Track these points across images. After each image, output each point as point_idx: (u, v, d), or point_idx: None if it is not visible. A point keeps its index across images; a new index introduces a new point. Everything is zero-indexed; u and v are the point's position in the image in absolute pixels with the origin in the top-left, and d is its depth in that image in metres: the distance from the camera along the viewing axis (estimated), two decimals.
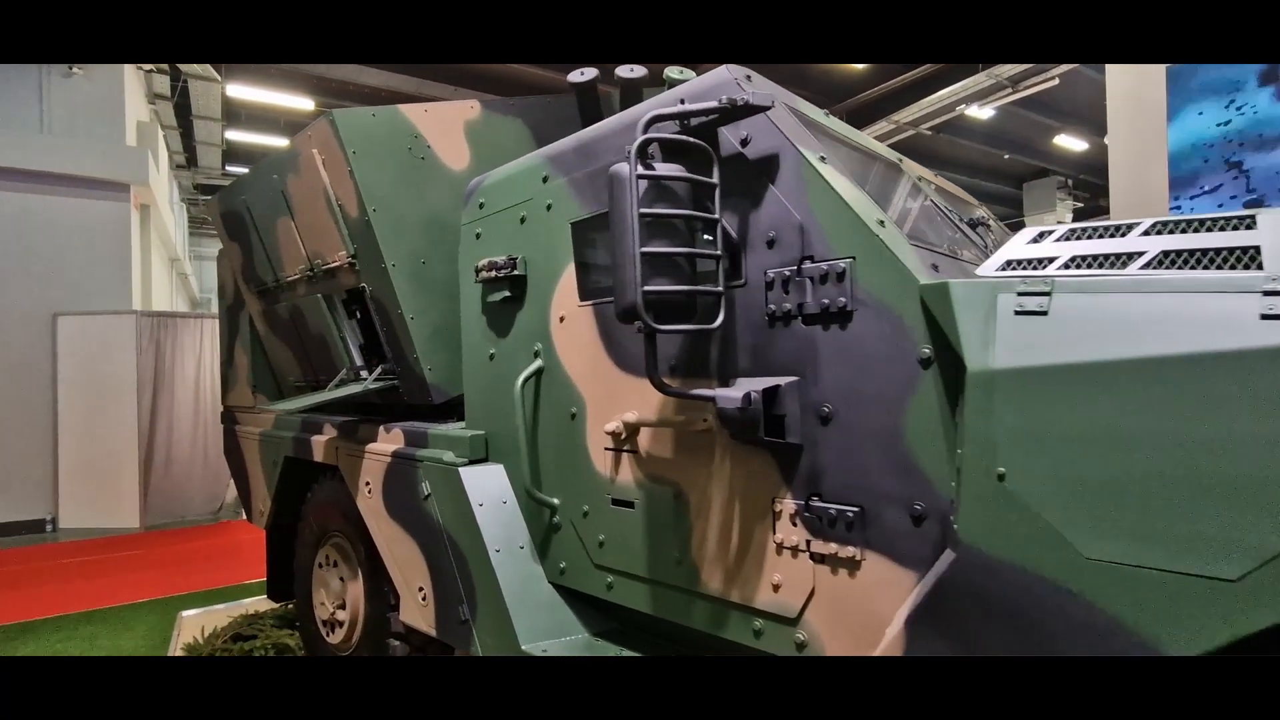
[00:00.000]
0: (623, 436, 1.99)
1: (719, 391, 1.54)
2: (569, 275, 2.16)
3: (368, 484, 2.89)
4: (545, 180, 2.24)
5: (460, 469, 2.40)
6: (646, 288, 1.48)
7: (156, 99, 10.57)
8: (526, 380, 2.24)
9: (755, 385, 1.55)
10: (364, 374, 3.23)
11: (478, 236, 2.52)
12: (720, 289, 1.61)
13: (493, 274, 2.34)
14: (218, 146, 13.04)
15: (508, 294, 2.34)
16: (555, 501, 2.24)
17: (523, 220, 2.33)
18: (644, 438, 1.95)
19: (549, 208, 2.22)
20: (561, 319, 2.19)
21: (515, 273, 2.30)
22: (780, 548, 1.63)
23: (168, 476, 7.94)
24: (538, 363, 2.26)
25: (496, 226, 2.44)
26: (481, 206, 2.51)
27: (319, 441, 3.28)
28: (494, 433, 2.49)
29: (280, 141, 14.22)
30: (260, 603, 4.81)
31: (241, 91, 10.87)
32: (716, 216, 1.60)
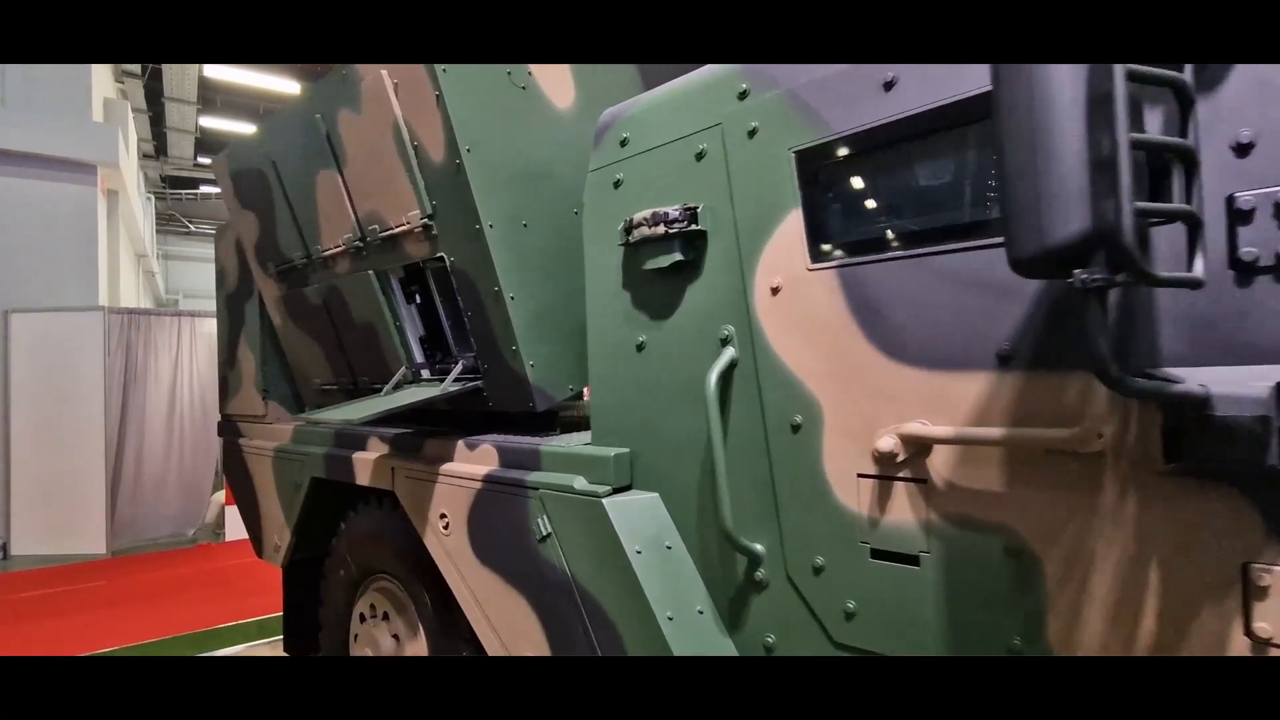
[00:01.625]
0: (900, 459, 1.35)
1: (1223, 390, 0.91)
2: (790, 228, 1.52)
3: (443, 517, 2.20)
4: (744, 96, 1.60)
5: (604, 500, 1.73)
6: (1139, 203, 0.84)
7: (125, 76, 9.64)
8: (720, 376, 1.59)
9: (1252, 379, 0.92)
10: (424, 373, 2.54)
11: (617, 184, 1.87)
12: (1197, 212, 0.98)
13: (660, 231, 1.68)
14: (191, 134, 12.10)
15: (679, 258, 1.69)
16: (759, 549, 1.59)
17: (700, 156, 1.68)
18: (941, 460, 1.31)
19: (752, 134, 1.58)
20: (775, 290, 1.55)
21: (694, 228, 1.65)
22: (1267, 644, 1.00)
23: (138, 494, 7.04)
24: (729, 353, 1.61)
25: (652, 169, 1.79)
26: (624, 144, 1.86)
27: (364, 460, 2.57)
28: (641, 450, 1.83)
29: None
30: (260, 649, 4.04)
31: (220, 71, 10.00)
32: (1193, 95, 0.97)
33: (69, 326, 6.72)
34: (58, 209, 7.02)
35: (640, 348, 1.83)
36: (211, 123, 12.50)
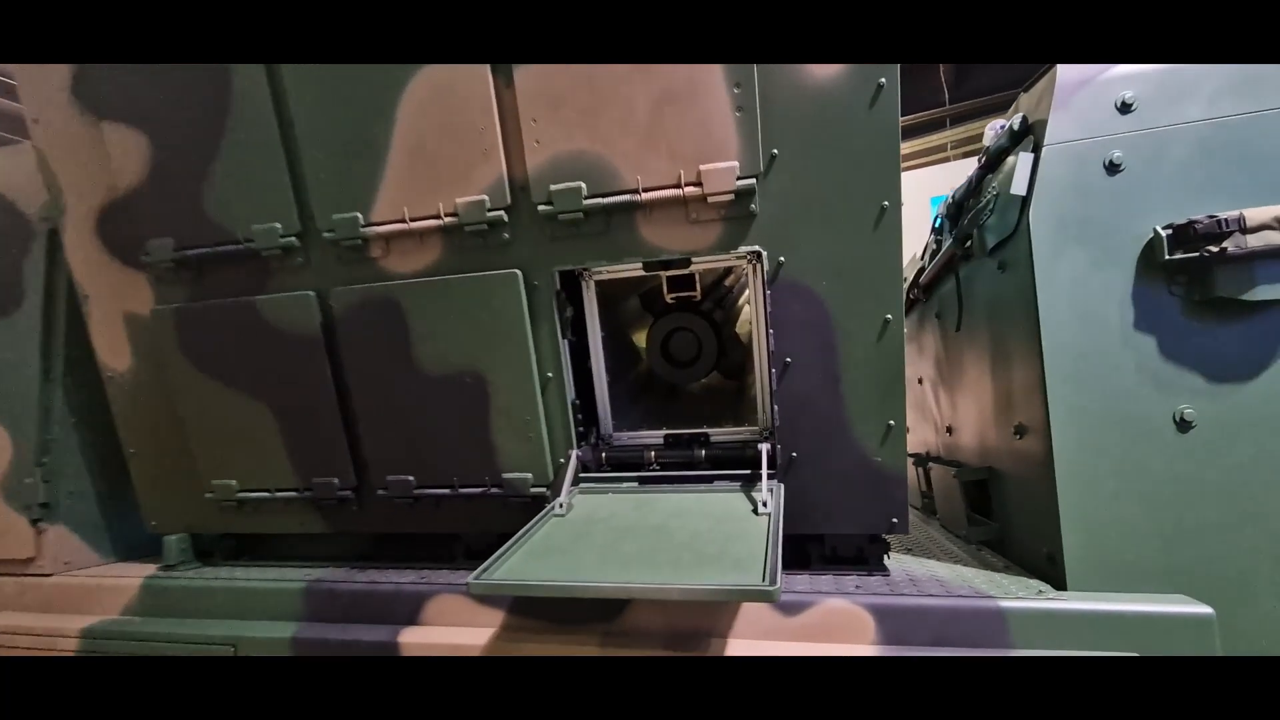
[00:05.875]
0: None
1: None
2: None
3: None
4: None
5: None
6: None
7: None
8: None
9: None
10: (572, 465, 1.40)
11: (1112, 168, 1.22)
12: None
13: None
14: None
15: None
16: None
17: None
18: None
19: None
20: None
21: None
22: None
23: None
24: None
25: (1196, 145, 1.20)
26: (1127, 109, 1.23)
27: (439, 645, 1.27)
28: (1196, 596, 1.12)
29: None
30: None
31: None
32: None
33: None
34: None
35: (1184, 424, 1.15)
36: None
